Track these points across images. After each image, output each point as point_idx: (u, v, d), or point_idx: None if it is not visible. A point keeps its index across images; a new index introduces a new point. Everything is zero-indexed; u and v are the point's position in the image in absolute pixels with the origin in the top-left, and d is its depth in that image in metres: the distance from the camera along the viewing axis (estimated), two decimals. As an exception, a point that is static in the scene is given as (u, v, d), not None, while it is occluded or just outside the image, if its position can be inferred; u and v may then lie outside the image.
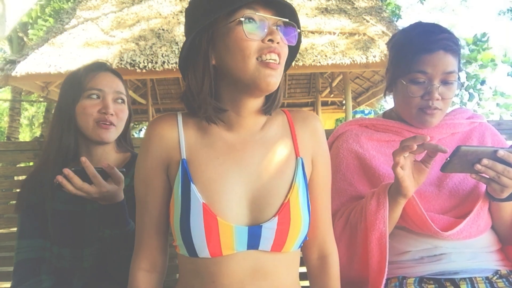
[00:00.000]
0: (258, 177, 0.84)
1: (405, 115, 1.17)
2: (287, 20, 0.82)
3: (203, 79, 0.82)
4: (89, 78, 1.17)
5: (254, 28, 0.78)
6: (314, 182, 0.93)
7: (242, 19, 0.77)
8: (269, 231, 0.80)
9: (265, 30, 0.78)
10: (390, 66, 1.20)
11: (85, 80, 1.17)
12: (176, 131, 0.87)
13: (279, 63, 0.80)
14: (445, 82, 1.10)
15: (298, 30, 0.84)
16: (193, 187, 0.81)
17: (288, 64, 0.90)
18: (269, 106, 0.87)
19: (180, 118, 0.89)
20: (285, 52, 0.82)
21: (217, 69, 0.83)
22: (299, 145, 0.90)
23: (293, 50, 0.89)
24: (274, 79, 0.79)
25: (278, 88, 0.86)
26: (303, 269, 1.00)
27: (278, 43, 0.79)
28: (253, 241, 0.80)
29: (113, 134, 1.19)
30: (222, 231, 0.78)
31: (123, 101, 1.21)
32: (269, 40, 0.78)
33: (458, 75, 1.12)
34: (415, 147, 0.92)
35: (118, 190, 1.04)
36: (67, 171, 0.98)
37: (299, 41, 0.87)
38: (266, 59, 0.78)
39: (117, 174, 1.03)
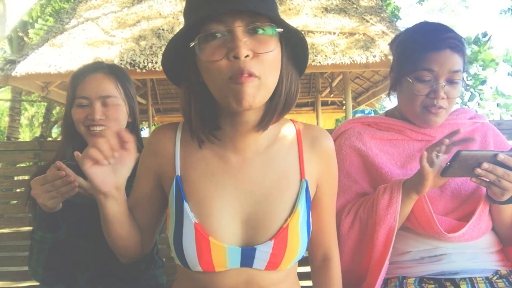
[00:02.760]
0: (256, 198, 0.80)
1: (409, 114, 1.17)
2: (258, 23, 0.70)
3: (189, 99, 0.78)
4: (78, 85, 1.19)
5: (215, 46, 0.70)
6: (319, 198, 0.90)
7: (196, 42, 0.71)
8: (263, 253, 0.78)
9: (229, 44, 0.69)
10: (395, 65, 1.20)
11: (75, 87, 1.19)
12: (172, 145, 0.84)
13: (254, 78, 0.70)
14: (450, 81, 1.10)
15: (279, 30, 0.72)
16: (186, 205, 0.79)
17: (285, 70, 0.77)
18: (260, 122, 0.77)
19: (180, 130, 0.86)
20: (260, 62, 0.70)
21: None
22: (305, 167, 0.84)
23: (294, 49, 0.79)
24: (244, 94, 0.69)
25: (276, 101, 0.76)
26: (306, 269, 1.00)
27: (247, 56, 0.69)
28: (247, 260, 0.78)
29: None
30: (214, 250, 0.76)
31: (114, 103, 1.19)
32: (234, 56, 0.68)
33: (464, 75, 1.13)
34: (447, 141, 0.96)
35: None
36: (59, 163, 0.97)
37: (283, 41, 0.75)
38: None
39: None
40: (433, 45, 1.09)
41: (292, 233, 0.79)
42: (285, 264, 0.80)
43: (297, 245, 0.80)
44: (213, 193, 0.80)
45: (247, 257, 0.77)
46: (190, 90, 0.78)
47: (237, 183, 0.81)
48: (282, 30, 0.72)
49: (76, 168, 0.97)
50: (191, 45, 0.72)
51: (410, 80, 1.12)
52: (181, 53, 0.76)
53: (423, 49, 1.09)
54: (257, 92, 0.71)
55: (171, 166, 0.83)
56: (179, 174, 0.82)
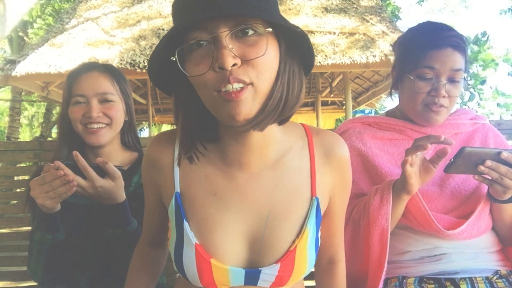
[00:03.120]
0: (262, 217, 0.74)
1: (410, 112, 1.17)
2: (242, 26, 0.62)
3: (177, 111, 0.74)
4: (74, 83, 1.19)
5: (199, 57, 0.64)
6: (330, 208, 0.83)
7: (175, 58, 0.64)
8: (268, 276, 0.73)
9: (214, 53, 0.62)
10: (397, 63, 1.20)
11: (71, 86, 1.19)
12: (171, 159, 0.78)
13: (246, 86, 0.63)
14: (452, 80, 1.10)
15: (268, 30, 0.63)
16: (186, 225, 0.74)
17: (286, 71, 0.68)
18: (255, 119, 0.66)
19: (178, 140, 0.79)
20: (251, 67, 0.63)
21: None
22: (317, 182, 0.77)
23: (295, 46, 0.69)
24: (238, 110, 0.63)
25: (273, 103, 0.67)
26: None
27: (235, 64, 0.61)
28: (251, 281, 0.74)
29: (104, 136, 1.19)
30: (216, 271, 0.72)
31: (111, 100, 1.19)
32: (219, 67, 0.61)
33: (465, 75, 1.13)
34: (429, 146, 0.93)
35: (115, 187, 1.02)
36: (57, 163, 0.95)
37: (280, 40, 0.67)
38: (225, 91, 0.62)
39: (112, 169, 1.01)
40: (435, 43, 1.09)
41: (300, 255, 0.74)
42: (292, 281, 0.76)
43: (305, 264, 0.75)
44: (216, 213, 0.74)
45: (251, 278, 0.73)
46: (179, 101, 0.74)
47: (242, 201, 0.74)
48: (271, 29, 0.64)
49: (75, 168, 0.98)
50: (173, 59, 0.65)
51: (412, 78, 1.12)
52: (169, 61, 0.67)
53: (425, 47, 1.10)
54: (253, 101, 0.64)
55: (170, 181, 0.77)
56: (179, 191, 0.76)
